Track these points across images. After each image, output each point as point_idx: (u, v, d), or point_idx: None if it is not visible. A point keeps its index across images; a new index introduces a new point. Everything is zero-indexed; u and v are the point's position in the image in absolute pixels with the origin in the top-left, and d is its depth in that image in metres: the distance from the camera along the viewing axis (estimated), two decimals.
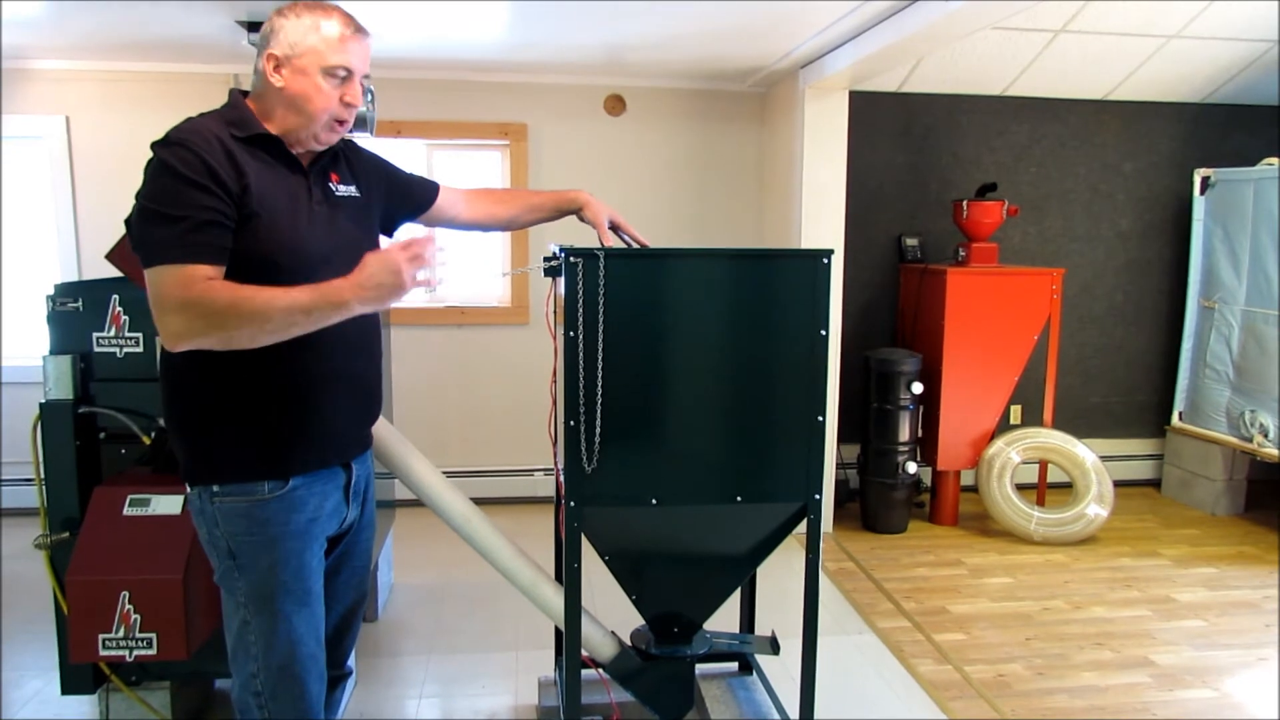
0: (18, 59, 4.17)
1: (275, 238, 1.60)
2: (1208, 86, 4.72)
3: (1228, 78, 4.61)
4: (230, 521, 1.67)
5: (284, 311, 1.52)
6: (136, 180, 1.58)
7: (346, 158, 1.87)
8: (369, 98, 3.04)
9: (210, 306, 1.50)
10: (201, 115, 1.67)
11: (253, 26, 3.35)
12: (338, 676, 1.98)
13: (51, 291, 2.43)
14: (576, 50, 3.93)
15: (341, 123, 1.70)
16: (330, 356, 1.70)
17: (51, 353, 2.40)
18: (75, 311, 2.39)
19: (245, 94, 1.72)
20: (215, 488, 1.67)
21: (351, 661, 2.08)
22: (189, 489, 1.71)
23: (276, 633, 1.70)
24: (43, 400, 2.38)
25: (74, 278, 4.23)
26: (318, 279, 1.64)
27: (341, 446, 1.80)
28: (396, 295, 1.57)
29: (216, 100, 1.75)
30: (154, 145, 1.57)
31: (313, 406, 1.70)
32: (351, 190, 1.82)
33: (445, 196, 2.09)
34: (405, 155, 4.58)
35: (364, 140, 3.01)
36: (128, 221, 1.61)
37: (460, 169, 4.71)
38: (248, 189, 1.58)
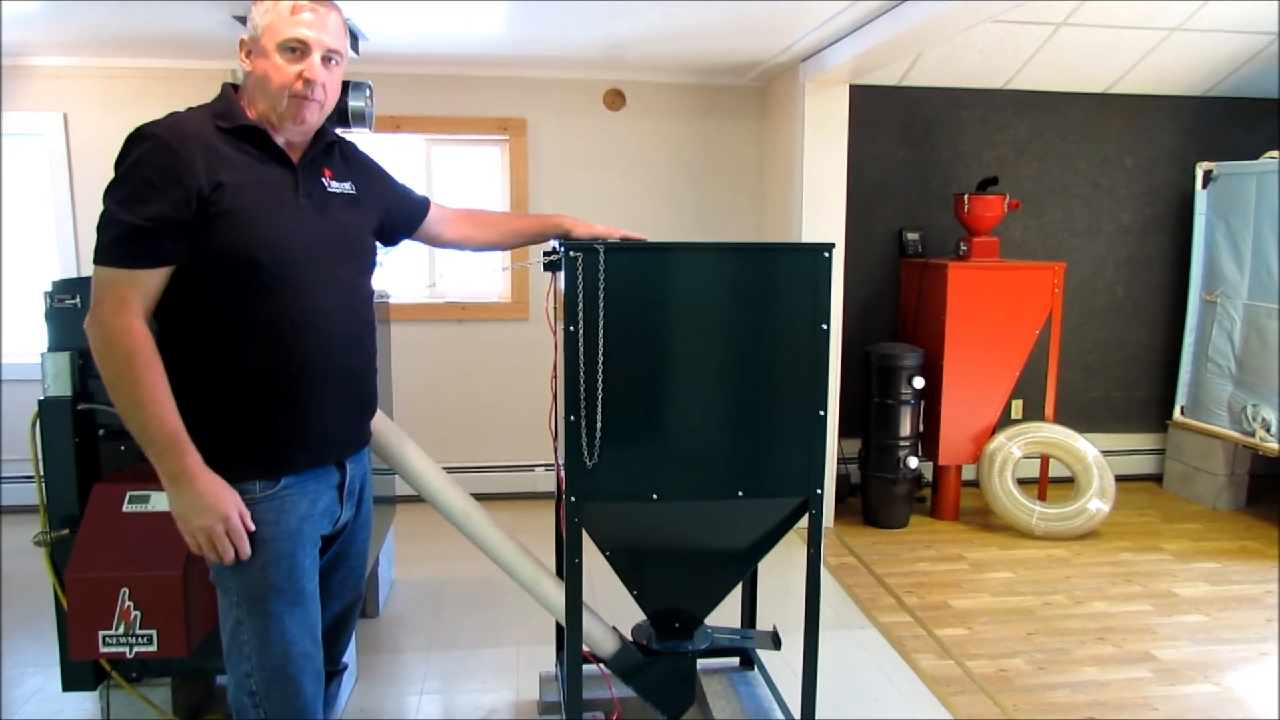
0: (16, 56, 4.16)
1: (253, 233, 1.59)
2: (1209, 80, 4.70)
3: (1229, 71, 4.60)
4: None
5: (134, 406, 1.53)
6: None
7: (344, 155, 1.86)
8: (367, 93, 3.02)
9: (110, 342, 1.52)
10: (190, 109, 1.67)
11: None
12: (333, 672, 1.97)
13: (50, 288, 2.42)
14: (576, 45, 3.92)
15: (305, 101, 1.64)
16: (322, 355, 1.68)
17: (50, 350, 2.39)
18: (73, 308, 2.38)
19: (237, 88, 1.72)
20: None
21: (348, 657, 2.08)
22: None
23: (269, 633, 1.69)
24: (41, 397, 2.37)
25: (73, 274, 4.23)
26: (301, 274, 1.64)
27: (334, 446, 1.78)
28: (184, 523, 1.61)
29: (213, 95, 1.74)
30: (129, 135, 1.56)
31: (304, 406, 1.68)
32: (346, 187, 1.80)
33: (432, 213, 2.08)
34: (404, 151, 4.57)
35: (363, 136, 3.01)
36: None
37: (459, 164, 4.70)
38: (221, 185, 1.56)
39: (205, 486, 1.57)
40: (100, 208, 1.57)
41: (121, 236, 1.52)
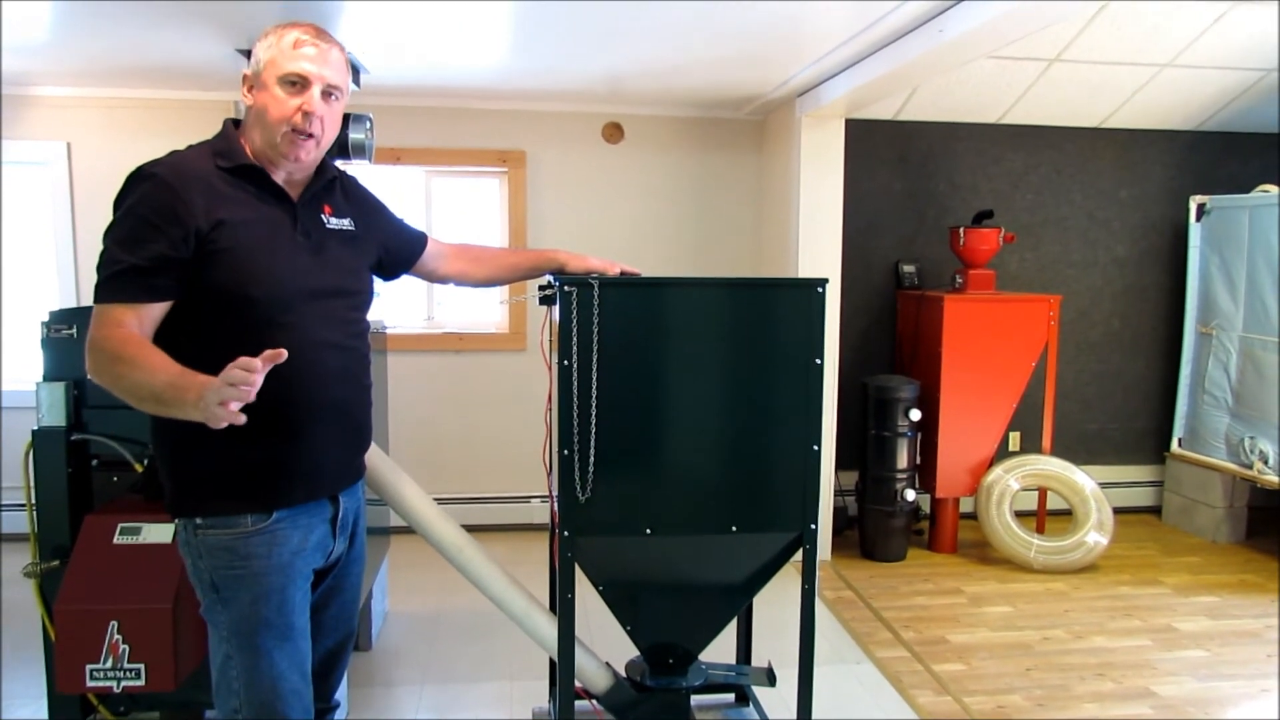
0: (20, 85, 4.20)
1: (249, 269, 1.59)
2: (1201, 114, 4.75)
3: (1221, 105, 4.64)
4: (213, 555, 1.65)
5: (134, 384, 1.48)
6: None
7: (345, 191, 1.87)
8: (367, 125, 3.05)
9: (99, 351, 1.51)
10: (190, 147, 1.68)
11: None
12: (325, 710, 1.95)
13: (47, 318, 2.43)
14: (575, 78, 3.96)
15: (305, 135, 1.65)
16: (316, 388, 1.68)
17: (45, 379, 2.39)
18: (70, 338, 2.39)
19: (239, 124, 1.73)
20: (198, 520, 1.65)
21: (341, 694, 2.05)
22: (175, 521, 1.70)
23: (258, 669, 1.67)
24: (35, 427, 2.37)
25: (72, 304, 4.23)
26: (295, 310, 1.64)
27: (327, 479, 1.77)
28: (205, 419, 1.40)
29: (217, 126, 1.76)
30: (129, 175, 1.59)
31: (296, 439, 1.68)
32: (345, 223, 1.81)
33: (429, 249, 2.09)
34: (404, 182, 4.60)
35: (363, 168, 3.03)
36: None
37: (458, 196, 4.73)
38: (220, 223, 1.58)
39: (199, 390, 1.41)
40: (101, 244, 1.58)
41: (120, 274, 1.53)
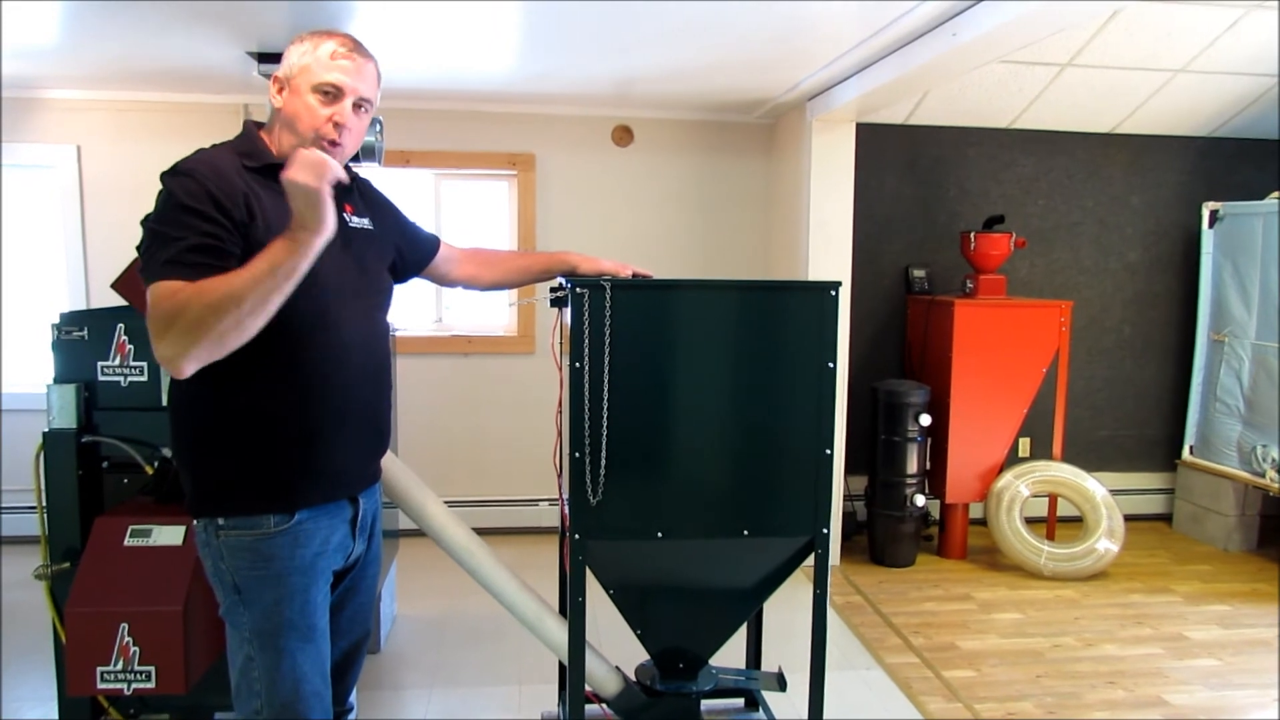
0: (30, 89, 4.22)
1: None
2: (1214, 121, 4.73)
3: (1234, 112, 4.62)
4: (235, 555, 1.65)
5: (251, 282, 1.44)
6: (147, 209, 1.59)
7: (361, 192, 1.88)
8: (377, 128, 3.06)
9: (185, 311, 1.44)
10: (214, 146, 1.68)
11: (262, 57, 3.39)
12: (339, 713, 1.94)
13: (57, 320, 2.43)
14: (585, 82, 3.96)
15: (333, 144, 1.66)
16: (343, 388, 1.69)
17: (56, 381, 2.40)
18: (80, 340, 2.40)
19: (260, 125, 1.73)
20: (220, 521, 1.65)
21: (354, 698, 2.05)
22: (195, 521, 1.69)
23: (280, 670, 1.66)
24: (46, 429, 2.37)
25: (82, 306, 4.24)
26: (326, 308, 1.64)
27: (349, 480, 1.77)
28: (323, 207, 1.48)
29: (227, 129, 1.76)
30: (162, 175, 1.58)
31: (320, 440, 1.68)
32: (365, 223, 1.82)
33: (441, 253, 2.09)
34: (413, 185, 4.61)
35: (372, 170, 3.03)
36: (139, 248, 1.61)
37: (468, 199, 4.73)
38: (255, 219, 1.57)
39: (295, 215, 1.49)
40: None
41: (185, 250, 1.48)
